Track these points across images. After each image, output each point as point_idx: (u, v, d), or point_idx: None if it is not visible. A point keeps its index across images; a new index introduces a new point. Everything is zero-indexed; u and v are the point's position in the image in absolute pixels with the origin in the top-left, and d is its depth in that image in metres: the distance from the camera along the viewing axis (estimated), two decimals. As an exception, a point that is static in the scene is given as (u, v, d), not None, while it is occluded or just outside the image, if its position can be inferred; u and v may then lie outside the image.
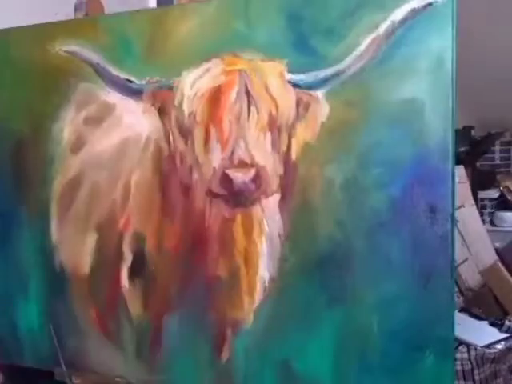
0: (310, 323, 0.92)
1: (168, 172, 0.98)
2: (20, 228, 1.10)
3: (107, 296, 1.04)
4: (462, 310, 1.99)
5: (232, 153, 0.91)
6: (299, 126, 0.91)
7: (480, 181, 3.24)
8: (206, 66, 0.94)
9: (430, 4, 0.82)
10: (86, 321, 1.06)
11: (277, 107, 0.91)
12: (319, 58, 0.88)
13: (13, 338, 1.13)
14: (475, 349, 1.69)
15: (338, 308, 0.90)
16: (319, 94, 0.89)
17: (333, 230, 0.89)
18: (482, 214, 3.18)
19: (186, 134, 0.95)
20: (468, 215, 2.24)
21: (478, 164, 3.35)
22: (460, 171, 2.29)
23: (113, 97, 1.01)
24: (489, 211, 3.57)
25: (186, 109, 0.94)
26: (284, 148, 0.91)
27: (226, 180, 0.91)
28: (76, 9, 1.22)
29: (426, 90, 0.84)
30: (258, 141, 0.91)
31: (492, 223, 3.50)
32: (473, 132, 3.27)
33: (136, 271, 1.02)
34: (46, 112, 1.07)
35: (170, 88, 0.96)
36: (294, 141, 0.91)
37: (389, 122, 0.86)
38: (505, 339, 1.77)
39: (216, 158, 0.92)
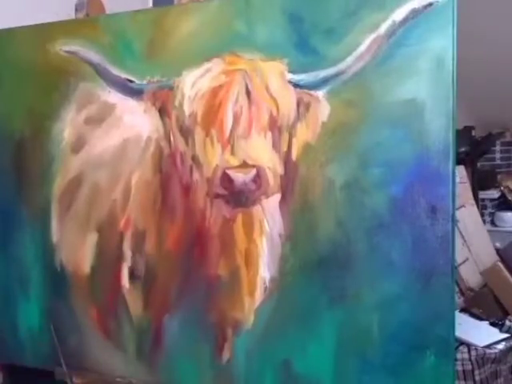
0: (310, 323, 0.92)
1: (168, 172, 0.98)
2: (21, 228, 1.10)
3: (107, 296, 1.04)
4: (462, 310, 1.99)
5: (232, 153, 0.91)
6: (300, 126, 0.91)
7: (480, 181, 3.24)
8: (206, 65, 0.94)
9: (430, 4, 0.82)
10: (87, 320, 1.06)
11: (277, 107, 0.91)
12: (320, 58, 0.88)
13: (13, 337, 1.13)
14: (476, 349, 1.69)
15: (339, 308, 0.90)
16: (320, 93, 0.89)
17: (333, 230, 0.89)
18: (482, 214, 3.18)
19: (186, 133, 0.95)
20: (468, 215, 2.24)
21: (478, 164, 3.35)
22: (460, 171, 2.29)
23: (113, 97, 1.01)
24: (489, 211, 3.57)
25: (186, 109, 0.94)
26: (284, 148, 0.91)
27: (226, 180, 0.91)
28: (77, 9, 1.22)
29: (426, 90, 0.84)
30: (259, 141, 0.91)
31: (492, 223, 3.50)
32: (473, 132, 3.27)
33: (136, 271, 1.02)
34: (46, 112, 1.07)
35: (171, 88, 0.96)
36: (294, 141, 0.91)
37: (389, 122, 0.86)
38: (505, 339, 1.77)
39: (216, 158, 0.92)
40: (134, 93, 0.99)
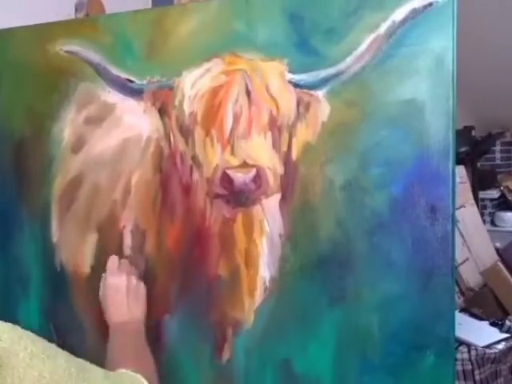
0: (310, 323, 0.92)
1: (168, 172, 0.98)
2: (20, 228, 1.10)
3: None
4: (462, 310, 1.99)
5: (232, 153, 0.91)
6: (300, 126, 0.91)
7: (480, 181, 3.24)
8: (206, 65, 0.94)
9: (430, 4, 0.82)
10: (87, 320, 1.05)
11: (277, 107, 0.91)
12: (320, 58, 0.88)
13: (13, 337, 1.13)
14: (476, 349, 1.69)
15: (339, 308, 0.90)
16: (320, 93, 0.89)
17: (333, 229, 0.89)
18: (482, 214, 3.18)
19: (186, 133, 0.95)
20: (468, 215, 2.24)
21: (478, 164, 3.35)
22: (460, 171, 2.30)
23: (113, 97, 1.01)
24: (489, 211, 3.58)
25: (186, 109, 0.94)
26: (284, 148, 0.91)
27: (226, 180, 0.91)
28: (76, 9, 1.22)
29: (426, 90, 0.84)
30: (259, 141, 0.91)
31: (492, 223, 3.51)
32: (473, 132, 3.27)
33: (136, 271, 1.02)
34: (46, 112, 1.07)
35: (171, 88, 0.96)
36: (294, 141, 0.91)
37: (389, 122, 0.86)
38: (505, 339, 1.77)
39: (216, 158, 0.92)
40: (134, 93, 0.99)
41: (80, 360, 0.59)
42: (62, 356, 0.57)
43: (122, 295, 0.92)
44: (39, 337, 0.56)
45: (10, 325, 0.52)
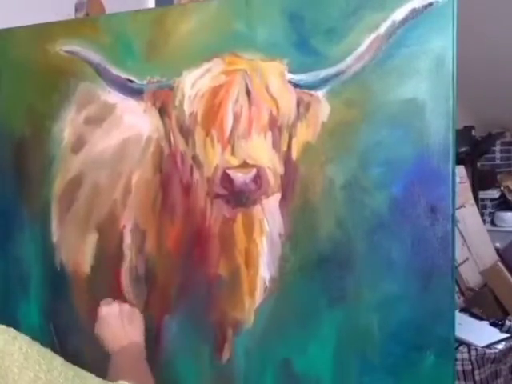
0: (310, 323, 0.92)
1: (169, 172, 0.98)
2: (21, 228, 1.10)
3: (108, 296, 1.04)
4: (462, 310, 1.99)
5: (233, 153, 0.91)
6: (300, 126, 0.91)
7: (480, 181, 3.24)
8: (206, 65, 0.94)
9: (430, 4, 0.82)
10: (87, 321, 1.05)
11: (277, 107, 0.91)
12: (320, 58, 0.88)
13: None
14: (476, 349, 1.69)
15: (339, 308, 0.90)
16: (320, 93, 0.89)
17: (333, 229, 0.89)
18: (482, 214, 3.18)
19: (186, 133, 0.95)
20: (468, 215, 2.24)
21: (478, 164, 3.35)
22: (460, 171, 2.29)
23: (113, 97, 1.01)
24: (489, 211, 3.57)
25: (186, 109, 0.94)
26: (284, 148, 0.91)
27: (226, 180, 0.91)
28: (76, 9, 1.22)
29: (426, 90, 0.84)
30: (259, 141, 0.91)
31: (492, 223, 3.50)
32: (473, 132, 3.27)
33: (136, 271, 1.02)
34: (46, 112, 1.07)
35: (171, 88, 0.96)
36: (294, 141, 0.91)
37: (389, 122, 0.86)
38: (505, 339, 1.77)
39: (217, 158, 0.92)
40: (134, 93, 0.99)
41: (76, 367, 0.59)
42: (58, 360, 0.56)
43: (116, 321, 0.90)
44: (35, 341, 0.56)
45: (3, 326, 0.52)
